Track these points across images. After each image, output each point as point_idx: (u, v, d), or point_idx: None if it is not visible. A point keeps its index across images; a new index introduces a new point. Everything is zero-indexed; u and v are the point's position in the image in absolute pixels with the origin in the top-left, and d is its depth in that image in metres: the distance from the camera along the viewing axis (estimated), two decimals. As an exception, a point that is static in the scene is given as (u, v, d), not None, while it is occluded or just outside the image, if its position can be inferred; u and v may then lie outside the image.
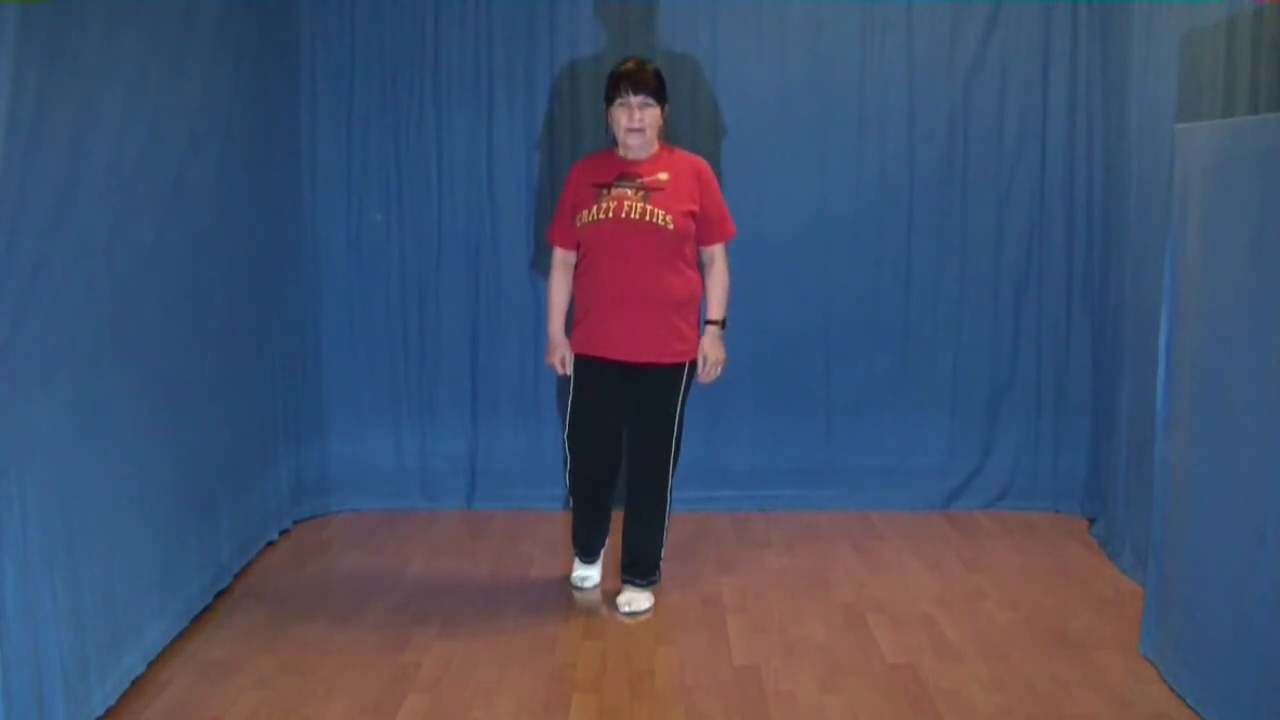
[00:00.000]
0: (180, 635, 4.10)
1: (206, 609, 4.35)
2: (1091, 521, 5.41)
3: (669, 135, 5.21)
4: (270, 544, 5.12)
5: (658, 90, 4.35)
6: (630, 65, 4.36)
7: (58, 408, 3.27)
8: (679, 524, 5.43)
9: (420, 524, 5.49)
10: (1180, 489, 3.73)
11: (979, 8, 5.49)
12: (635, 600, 4.47)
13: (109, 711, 3.53)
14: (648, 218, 4.27)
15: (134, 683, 3.71)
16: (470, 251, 5.60)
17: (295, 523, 5.41)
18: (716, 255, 4.48)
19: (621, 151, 4.39)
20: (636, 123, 4.30)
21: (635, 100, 4.29)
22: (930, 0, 5.49)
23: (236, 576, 4.69)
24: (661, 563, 4.61)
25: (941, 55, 5.52)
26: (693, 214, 4.35)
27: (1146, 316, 4.41)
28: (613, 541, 4.74)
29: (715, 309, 4.48)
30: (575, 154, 5.55)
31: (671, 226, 4.28)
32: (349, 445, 5.66)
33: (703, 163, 4.47)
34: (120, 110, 3.57)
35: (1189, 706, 3.61)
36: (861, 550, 5.12)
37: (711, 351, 4.45)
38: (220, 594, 4.50)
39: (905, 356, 5.65)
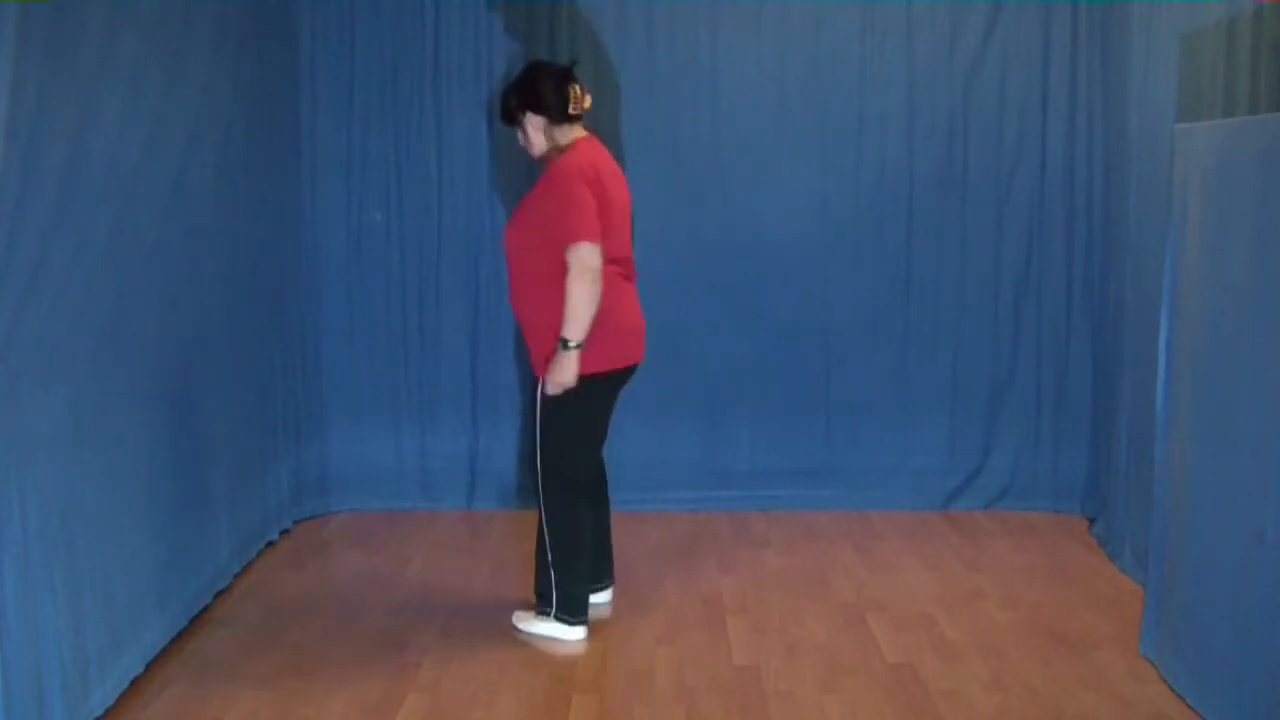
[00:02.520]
0: (180, 635, 4.10)
1: (206, 609, 4.35)
2: (1091, 521, 5.41)
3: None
4: (270, 544, 5.12)
5: (509, 115, 4.09)
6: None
7: (57, 407, 3.27)
8: (679, 524, 5.45)
9: (420, 524, 5.49)
10: (1180, 489, 3.73)
11: (979, 8, 5.50)
12: (522, 618, 4.26)
13: (108, 711, 3.53)
14: (506, 235, 4.16)
15: (133, 682, 3.71)
16: (470, 251, 5.61)
17: (295, 523, 5.41)
18: (567, 265, 3.91)
19: None
20: (521, 141, 4.15)
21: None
22: (930, 0, 5.49)
23: (236, 576, 4.69)
24: (554, 593, 4.15)
25: (941, 56, 5.52)
26: (536, 228, 3.99)
27: (1146, 316, 4.41)
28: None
29: (561, 325, 3.93)
30: (575, 154, 5.57)
31: (507, 246, 4.11)
32: (349, 445, 5.66)
33: (562, 167, 4.00)
34: (120, 110, 3.56)
35: (1189, 706, 3.61)
36: (861, 550, 5.12)
37: (551, 371, 3.95)
38: (220, 594, 4.50)
39: (905, 356, 5.65)
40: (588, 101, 4.11)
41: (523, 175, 5.56)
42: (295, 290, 5.39)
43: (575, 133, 4.09)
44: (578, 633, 4.17)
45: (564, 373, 3.93)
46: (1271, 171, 3.22)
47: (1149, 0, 4.67)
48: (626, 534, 5.31)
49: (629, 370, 4.16)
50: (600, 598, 4.44)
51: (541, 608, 4.20)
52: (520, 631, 4.22)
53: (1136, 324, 4.74)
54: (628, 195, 4.19)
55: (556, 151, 4.08)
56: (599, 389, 4.06)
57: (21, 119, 2.95)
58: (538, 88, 4.04)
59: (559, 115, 4.03)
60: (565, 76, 4.05)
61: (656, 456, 5.64)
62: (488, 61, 5.51)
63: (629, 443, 5.63)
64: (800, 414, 5.68)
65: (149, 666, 3.83)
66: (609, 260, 3.97)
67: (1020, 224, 5.58)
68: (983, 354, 5.64)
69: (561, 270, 3.91)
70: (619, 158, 5.50)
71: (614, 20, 5.51)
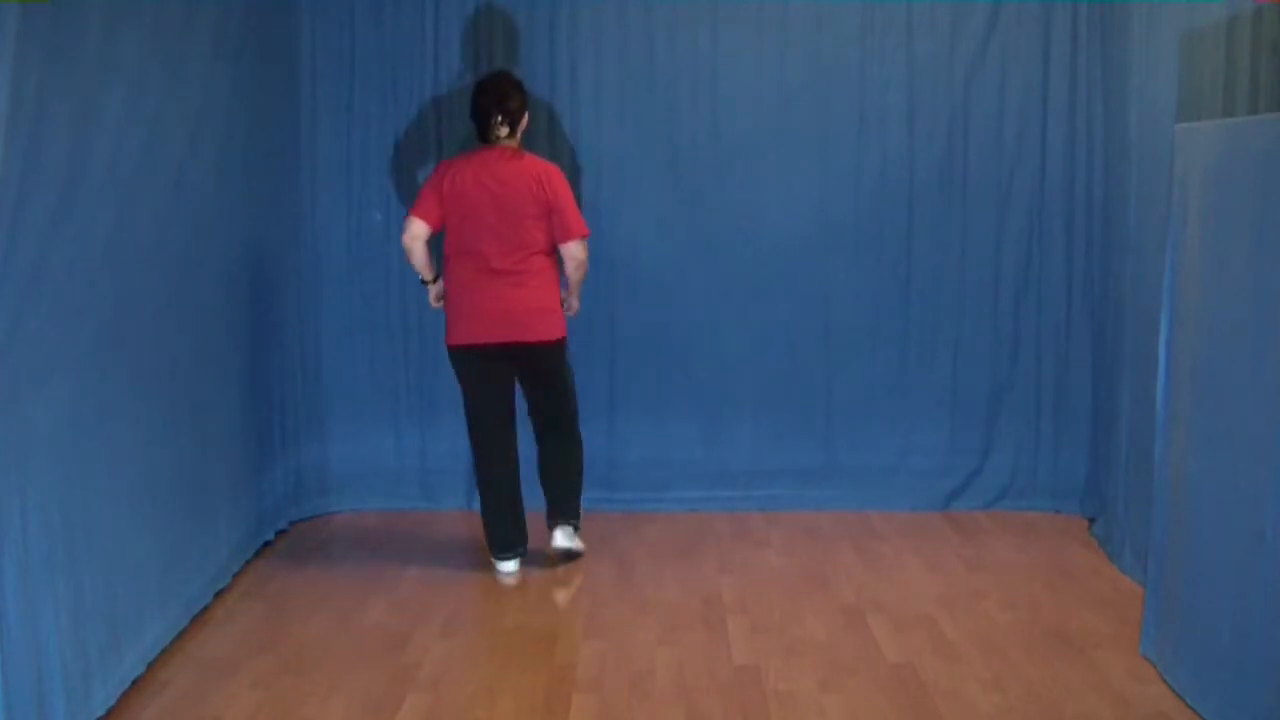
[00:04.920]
0: (180, 635, 4.10)
1: (206, 609, 4.35)
2: (1091, 521, 5.41)
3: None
4: (269, 544, 5.12)
5: None
6: None
7: (57, 408, 3.27)
8: (680, 523, 5.46)
9: (420, 524, 5.49)
10: (1180, 489, 3.73)
11: (979, 8, 5.49)
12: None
13: (109, 711, 3.53)
14: None
15: (134, 682, 3.71)
16: (470, 251, 5.61)
17: (295, 523, 5.42)
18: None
19: None
20: None
21: None
22: (930, 0, 5.49)
23: (236, 576, 4.69)
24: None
25: (941, 56, 5.52)
26: None
27: (1146, 316, 4.41)
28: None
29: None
30: (575, 153, 5.56)
31: None
32: (349, 445, 5.66)
33: None
34: (120, 110, 3.56)
35: (1189, 706, 3.60)
36: (861, 550, 5.12)
37: None
38: (220, 593, 4.50)
39: (905, 356, 5.65)
40: (501, 132, 4.71)
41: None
42: (295, 290, 5.39)
43: (484, 145, 4.75)
44: (500, 566, 4.85)
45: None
46: (1271, 171, 3.22)
47: (1149, 0, 4.67)
48: (627, 533, 5.33)
49: (481, 348, 4.72)
50: (505, 566, 4.85)
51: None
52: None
53: (1136, 324, 4.74)
54: (507, 204, 4.65)
55: None
56: (455, 358, 4.80)
57: (21, 119, 2.95)
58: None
59: (477, 134, 4.78)
60: (486, 110, 4.70)
61: (657, 456, 5.64)
62: (487, 62, 5.51)
63: (630, 442, 5.65)
64: (800, 414, 5.68)
65: (149, 666, 3.83)
66: (458, 251, 4.72)
67: (1020, 224, 5.58)
68: (983, 354, 5.64)
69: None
70: (619, 158, 5.54)
71: (614, 20, 5.51)
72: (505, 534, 4.84)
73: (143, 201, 3.78)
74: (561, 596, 4.64)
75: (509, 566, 4.83)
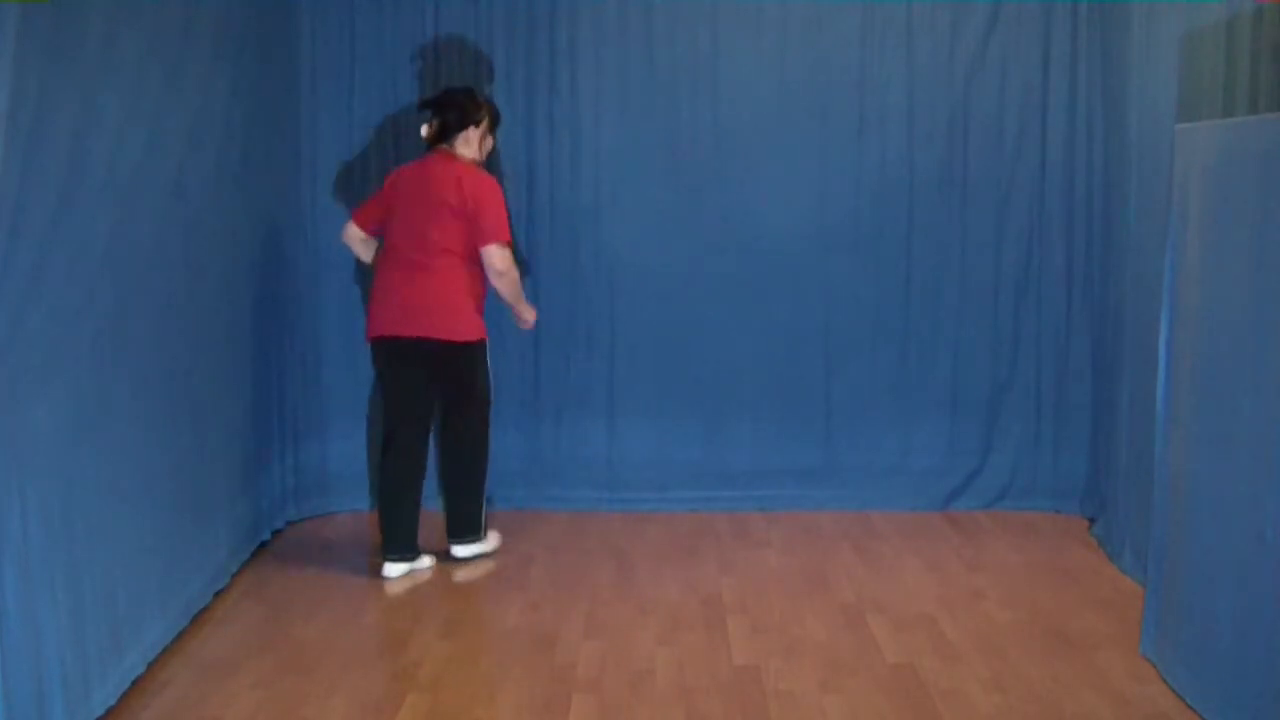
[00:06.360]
0: (180, 635, 4.10)
1: (205, 609, 4.35)
2: (1091, 521, 5.41)
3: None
4: (268, 544, 5.12)
5: None
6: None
7: (58, 408, 3.27)
8: (680, 523, 5.45)
9: (420, 524, 5.47)
10: (1180, 489, 3.73)
11: (979, 8, 5.50)
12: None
13: (109, 711, 3.52)
14: None
15: (134, 682, 3.71)
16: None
17: (295, 522, 5.41)
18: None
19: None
20: None
21: None
22: (930, 0, 5.49)
23: (235, 576, 4.69)
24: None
25: (941, 55, 5.52)
26: None
27: (1146, 316, 4.41)
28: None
29: None
30: (574, 154, 5.56)
31: None
32: (349, 445, 5.65)
33: None
34: (120, 110, 3.56)
35: (1189, 706, 3.61)
36: (861, 550, 5.12)
37: None
38: (219, 593, 4.50)
39: (905, 356, 5.65)
40: (424, 131, 4.86)
41: (522, 175, 5.59)
42: (295, 290, 5.39)
43: (432, 152, 4.86)
44: (386, 569, 4.75)
45: None
46: (1271, 171, 3.22)
47: (1149, 0, 4.67)
48: (627, 533, 5.33)
49: (391, 341, 4.74)
50: (387, 569, 4.77)
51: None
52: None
53: (1136, 324, 4.74)
54: (424, 200, 4.72)
55: None
56: (372, 352, 4.89)
57: (21, 119, 2.95)
58: None
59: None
60: (429, 111, 4.86)
61: (657, 456, 5.65)
62: (488, 62, 5.51)
63: (630, 442, 5.65)
64: (800, 414, 5.68)
65: (149, 666, 3.83)
66: (385, 247, 4.83)
67: (1020, 224, 5.58)
68: (983, 353, 5.64)
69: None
70: (619, 158, 5.54)
71: (614, 20, 5.51)
72: (390, 538, 4.79)
73: (142, 202, 3.78)
74: (561, 596, 4.64)
75: (390, 569, 4.75)
